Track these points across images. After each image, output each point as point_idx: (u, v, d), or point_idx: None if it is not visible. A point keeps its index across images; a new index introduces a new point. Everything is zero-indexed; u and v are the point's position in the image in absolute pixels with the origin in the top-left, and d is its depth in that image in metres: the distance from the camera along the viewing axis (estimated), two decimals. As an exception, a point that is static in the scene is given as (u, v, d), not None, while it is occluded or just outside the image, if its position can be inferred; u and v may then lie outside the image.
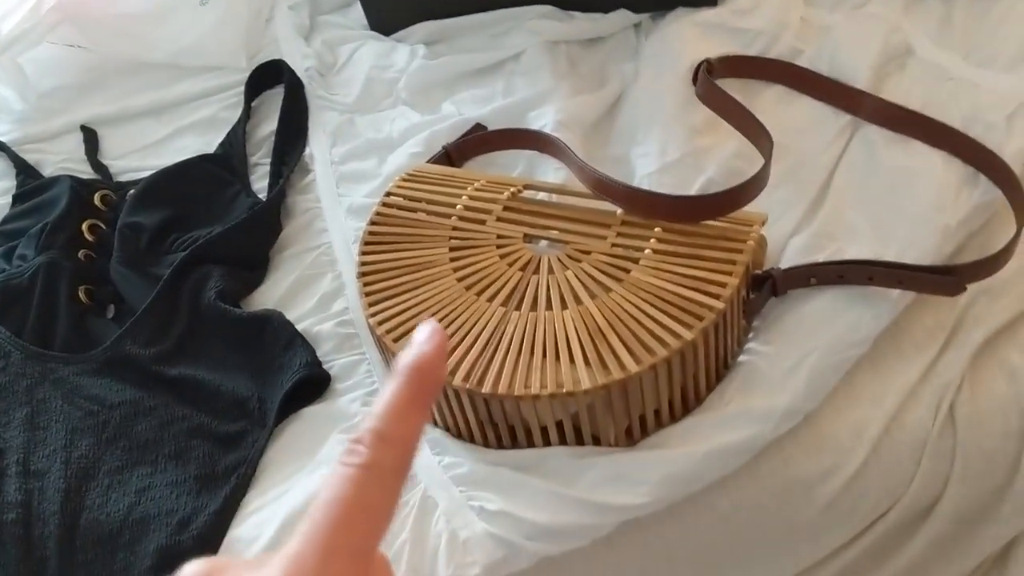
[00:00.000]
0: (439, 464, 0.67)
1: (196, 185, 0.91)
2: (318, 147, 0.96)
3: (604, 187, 0.70)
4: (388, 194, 0.77)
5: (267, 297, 0.83)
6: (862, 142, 0.78)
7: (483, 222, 0.73)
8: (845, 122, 0.80)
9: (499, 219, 0.73)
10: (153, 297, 0.80)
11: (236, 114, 1.00)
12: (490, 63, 0.97)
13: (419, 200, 0.76)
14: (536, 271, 0.68)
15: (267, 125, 0.99)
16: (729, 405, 0.65)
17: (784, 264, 0.71)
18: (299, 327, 0.77)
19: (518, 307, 0.66)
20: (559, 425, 0.64)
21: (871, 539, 0.68)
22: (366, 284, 0.70)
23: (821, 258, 0.71)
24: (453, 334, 0.65)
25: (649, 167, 0.80)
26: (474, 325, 0.65)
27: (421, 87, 0.98)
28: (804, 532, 0.67)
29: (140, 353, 0.77)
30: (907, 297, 0.68)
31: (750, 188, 0.66)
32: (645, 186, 0.78)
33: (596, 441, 0.65)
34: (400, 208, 0.76)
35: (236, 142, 0.96)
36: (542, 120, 0.86)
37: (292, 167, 0.93)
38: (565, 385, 0.61)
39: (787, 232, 0.74)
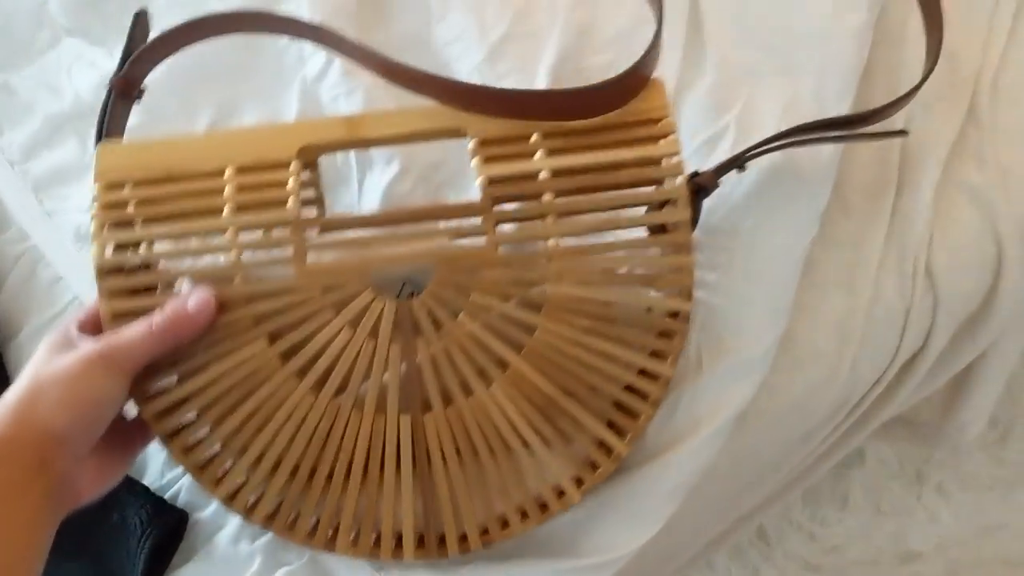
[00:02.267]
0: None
1: None
2: (-25, 143, 0.65)
3: (423, 81, 0.45)
4: (103, 273, 0.45)
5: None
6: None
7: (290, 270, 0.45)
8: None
9: (311, 248, 0.45)
10: None
11: None
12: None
13: (159, 258, 0.45)
14: (416, 330, 0.45)
15: None
16: (703, 371, 0.51)
17: (687, 136, 0.55)
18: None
19: (427, 407, 0.46)
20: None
21: (861, 409, 0.61)
22: (170, 436, 0.46)
23: (730, 118, 0.55)
24: (360, 488, 0.46)
25: (472, 57, 0.57)
26: (382, 460, 0.46)
27: (84, 2, 0.66)
28: (804, 441, 0.59)
29: None
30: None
31: (649, 62, 0.47)
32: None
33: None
34: (136, 293, 0.45)
35: None
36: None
37: (-43, 195, 0.63)
38: (551, 505, 0.47)
39: (671, 89, 0.57)
